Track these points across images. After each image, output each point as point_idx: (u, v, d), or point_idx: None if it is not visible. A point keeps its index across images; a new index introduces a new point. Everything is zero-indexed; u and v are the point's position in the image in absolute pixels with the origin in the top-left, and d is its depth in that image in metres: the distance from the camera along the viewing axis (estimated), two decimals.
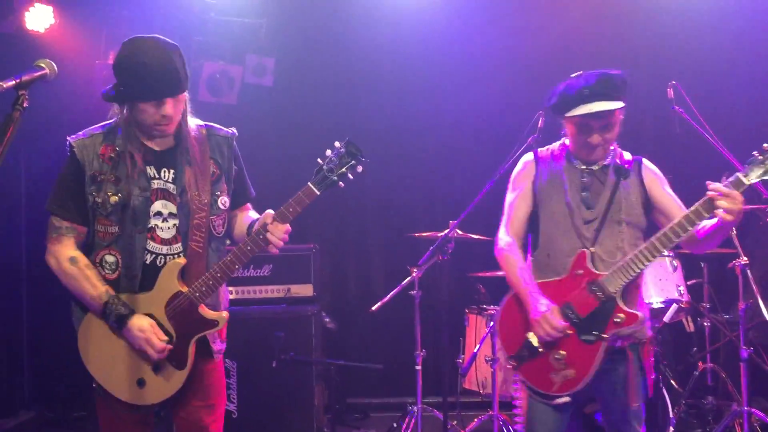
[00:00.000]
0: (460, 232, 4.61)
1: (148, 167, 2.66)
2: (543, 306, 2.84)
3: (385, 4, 5.96)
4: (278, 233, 2.61)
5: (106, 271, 2.64)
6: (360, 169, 2.68)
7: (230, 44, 5.90)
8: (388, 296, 4.56)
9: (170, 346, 2.61)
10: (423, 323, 4.77)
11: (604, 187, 2.98)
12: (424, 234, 4.84)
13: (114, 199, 2.61)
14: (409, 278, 4.63)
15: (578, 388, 2.85)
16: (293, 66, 6.06)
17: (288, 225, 2.64)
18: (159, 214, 2.65)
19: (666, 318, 4.52)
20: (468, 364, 4.66)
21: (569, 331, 2.82)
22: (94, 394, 2.72)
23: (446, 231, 4.50)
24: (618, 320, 2.79)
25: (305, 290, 4.97)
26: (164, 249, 2.65)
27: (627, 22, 5.83)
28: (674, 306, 4.47)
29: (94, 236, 2.67)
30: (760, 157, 2.65)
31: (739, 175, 2.66)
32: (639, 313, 2.82)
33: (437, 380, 5.19)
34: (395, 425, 5.02)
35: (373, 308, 4.55)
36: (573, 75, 2.98)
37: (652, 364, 3.06)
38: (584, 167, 3.01)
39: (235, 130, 2.88)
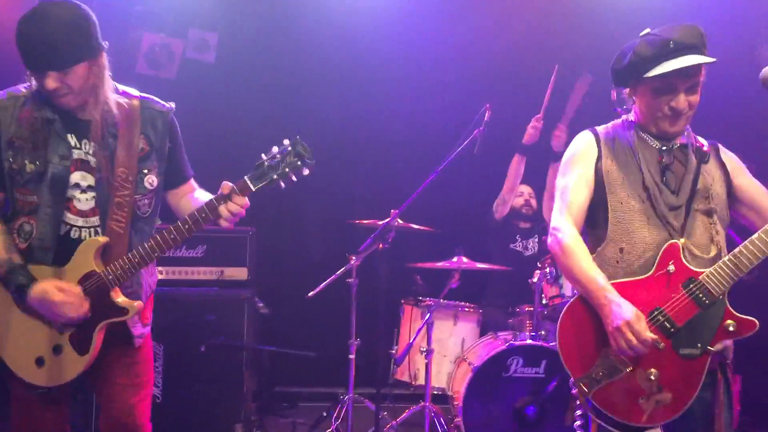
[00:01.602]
0: (401, 221, 4.57)
1: (69, 135, 2.51)
2: (627, 312, 2.24)
3: None
4: (239, 204, 2.49)
5: (20, 240, 2.49)
6: (306, 172, 2.48)
7: (172, 16, 5.69)
8: (325, 283, 4.48)
9: (85, 309, 2.45)
10: (358, 312, 4.71)
11: (686, 169, 2.50)
12: (365, 221, 4.77)
13: (30, 167, 2.45)
14: (347, 266, 4.57)
15: (676, 416, 2.29)
16: (238, 43, 5.88)
17: (246, 199, 2.51)
18: (77, 185, 2.51)
19: None
20: (402, 355, 4.62)
21: (662, 344, 2.28)
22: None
23: (387, 219, 4.46)
24: (731, 329, 2.29)
25: (239, 273, 4.83)
26: (80, 221, 2.51)
27: (578, 24, 5.86)
28: None
29: (15, 203, 2.52)
30: None
31: None
32: (755, 320, 2.32)
33: (370, 370, 5.14)
34: (325, 414, 4.95)
35: (309, 295, 4.46)
36: (642, 33, 2.49)
37: (739, 392, 2.52)
38: (661, 145, 2.51)
39: (173, 105, 2.73)
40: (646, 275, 2.35)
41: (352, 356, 4.65)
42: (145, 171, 2.59)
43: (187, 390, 4.49)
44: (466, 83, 5.82)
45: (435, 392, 4.74)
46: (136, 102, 2.61)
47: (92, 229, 2.52)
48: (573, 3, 5.84)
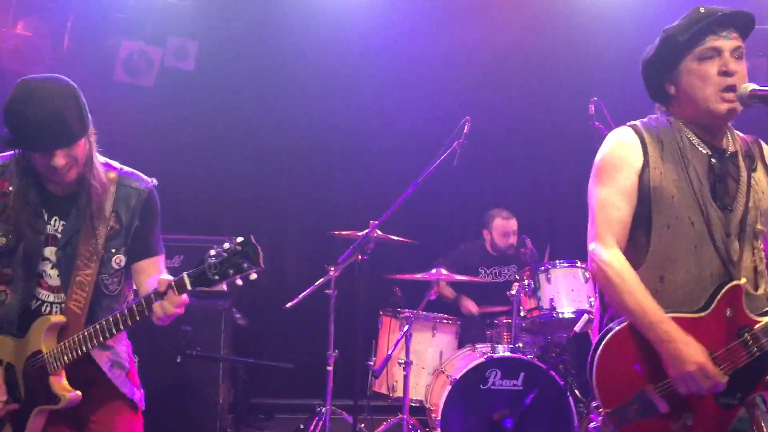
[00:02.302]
0: (380, 232, 4.56)
1: (43, 209, 2.45)
2: (698, 353, 2.03)
3: None
4: (174, 304, 2.22)
5: None
6: (254, 276, 2.20)
7: (151, 24, 5.65)
8: (303, 294, 4.45)
9: (13, 406, 2.37)
10: (337, 324, 4.68)
11: (738, 184, 2.19)
12: (344, 232, 4.76)
13: (1, 240, 2.40)
14: (325, 277, 4.54)
15: None
16: (217, 52, 5.86)
17: (185, 296, 2.23)
18: (49, 260, 2.45)
19: (576, 328, 4.58)
20: (381, 367, 4.60)
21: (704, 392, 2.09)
22: None
23: (367, 230, 4.44)
24: None
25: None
26: (51, 296, 2.45)
27: (551, 38, 5.91)
28: (585, 316, 4.54)
29: None
30: None
31: None
32: None
33: (348, 382, 5.11)
34: (302, 427, 4.90)
35: (287, 306, 4.43)
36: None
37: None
38: (712, 151, 2.20)
39: (154, 181, 2.59)
40: (701, 314, 2.11)
41: (330, 368, 4.61)
42: (113, 250, 2.48)
43: (162, 402, 4.41)
44: (447, 96, 5.85)
45: (413, 404, 4.72)
46: (113, 175, 2.51)
47: (61, 305, 2.45)
48: (554, 17, 5.89)
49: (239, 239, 2.17)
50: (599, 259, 2.16)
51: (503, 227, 5.38)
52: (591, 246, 2.20)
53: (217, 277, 2.15)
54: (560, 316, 4.42)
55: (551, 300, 4.44)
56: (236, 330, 5.00)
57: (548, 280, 4.51)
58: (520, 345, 4.49)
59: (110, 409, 2.52)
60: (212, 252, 2.16)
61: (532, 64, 5.84)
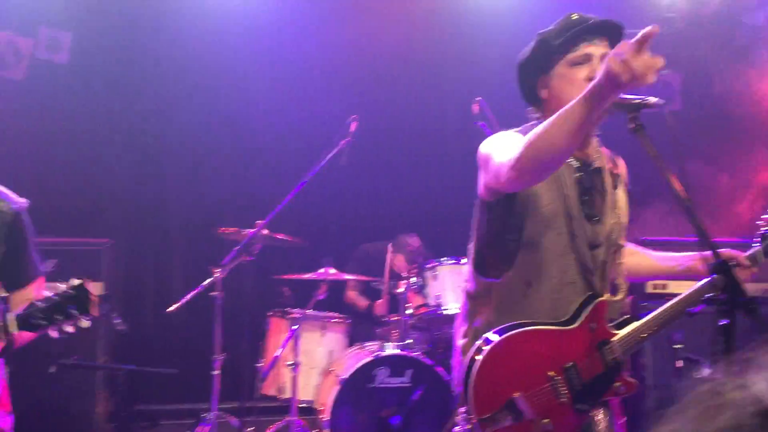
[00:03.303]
0: (267, 232, 4.49)
1: None
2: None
3: None
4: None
5: None
6: (86, 324, 2.12)
7: (20, 13, 5.32)
8: (186, 298, 4.31)
9: None
10: (224, 326, 4.57)
11: (604, 196, 2.29)
12: (230, 230, 4.65)
13: None
14: (210, 279, 4.42)
15: None
16: (93, 44, 5.56)
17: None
18: None
19: None
20: (268, 369, 4.53)
21: (564, 399, 2.19)
22: None
23: (253, 230, 4.36)
24: (619, 390, 2.26)
25: (94, 289, 4.54)
26: None
27: (436, 39, 5.98)
28: None
29: None
30: None
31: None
32: (637, 381, 2.31)
33: (235, 385, 5.01)
34: None
35: (170, 309, 4.28)
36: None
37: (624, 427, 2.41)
38: (579, 164, 2.26)
39: (23, 202, 2.41)
40: (569, 327, 2.21)
41: (215, 372, 4.50)
42: None
43: (36, 414, 4.17)
44: (334, 94, 5.82)
45: (303, 405, 4.68)
46: None
47: None
48: (439, 18, 5.98)
49: (74, 282, 2.08)
50: (510, 160, 1.99)
51: (395, 262, 5.19)
52: (502, 163, 2.05)
53: (44, 323, 2.05)
54: (447, 312, 4.50)
55: (438, 297, 4.52)
56: (115, 336, 4.80)
57: (435, 277, 4.59)
58: (409, 342, 4.54)
59: None
60: (48, 295, 2.05)
61: (418, 64, 5.91)
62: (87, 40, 5.50)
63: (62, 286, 2.07)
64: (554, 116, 1.90)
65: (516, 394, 2.16)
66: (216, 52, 5.72)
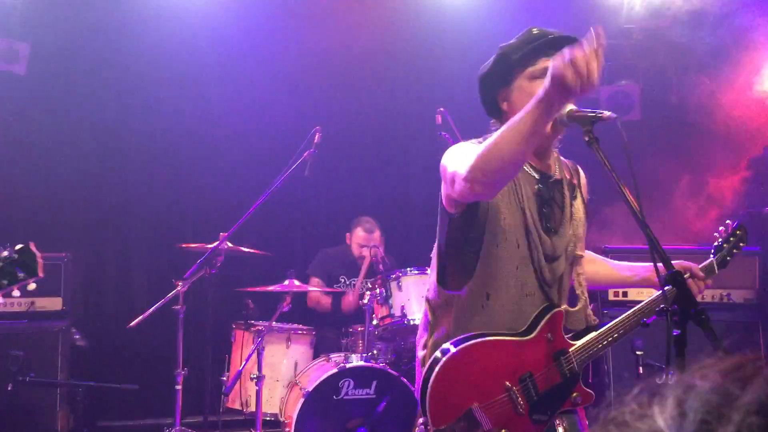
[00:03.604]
0: (230, 244, 4.45)
1: None
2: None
3: None
4: None
5: None
6: (32, 287, 2.11)
7: None
8: (148, 312, 4.25)
9: None
10: (187, 340, 4.51)
11: (563, 208, 2.32)
12: (193, 245, 4.60)
13: None
14: (173, 292, 4.37)
15: None
16: (52, 54, 5.47)
17: None
18: None
19: None
20: (232, 383, 4.48)
21: (521, 410, 2.20)
22: None
23: (216, 243, 4.33)
24: (577, 401, 2.28)
25: (53, 304, 4.47)
26: None
27: (399, 49, 6.00)
28: None
29: None
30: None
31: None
32: (593, 393, 2.32)
33: (199, 399, 4.95)
34: None
35: (131, 324, 4.22)
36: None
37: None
38: (539, 176, 2.29)
39: None
40: (526, 337, 2.22)
41: (178, 386, 4.44)
42: None
43: None
44: (297, 105, 5.81)
45: (268, 418, 4.64)
46: None
47: None
48: (402, 30, 5.99)
49: (18, 247, 2.06)
50: (463, 170, 1.98)
51: (363, 240, 5.31)
52: (457, 173, 2.03)
53: None
54: (412, 322, 4.50)
55: (402, 307, 4.52)
56: (75, 352, 4.72)
57: (399, 287, 4.59)
58: (374, 352, 4.54)
59: None
60: None
61: (382, 74, 5.93)
62: (44, 51, 5.41)
63: (5, 252, 2.05)
64: (505, 126, 1.91)
65: (473, 405, 2.17)
66: (176, 64, 5.66)
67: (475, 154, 1.95)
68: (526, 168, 2.27)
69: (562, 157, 2.43)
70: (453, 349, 2.19)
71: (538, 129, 1.87)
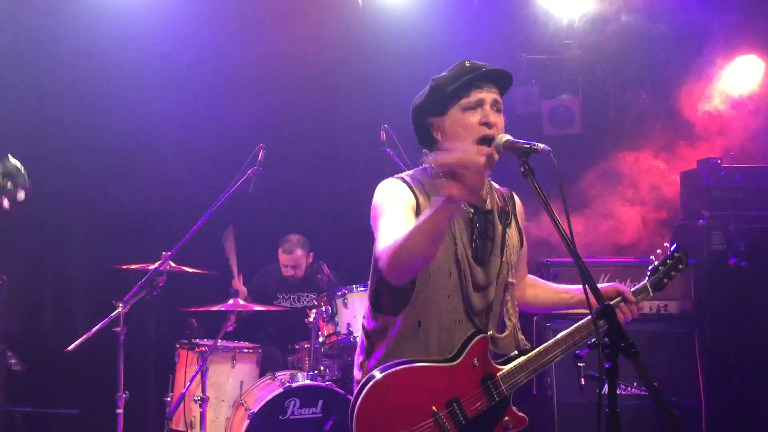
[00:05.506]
0: (173, 264, 4.38)
1: None
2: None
3: None
4: None
5: None
6: (22, 195, 2.16)
7: None
8: (87, 335, 4.14)
9: None
10: (129, 362, 4.41)
11: (494, 238, 2.38)
12: (134, 266, 4.51)
13: None
14: (113, 313, 4.27)
15: None
16: None
17: None
18: None
19: None
20: (175, 405, 4.41)
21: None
22: None
23: (158, 263, 4.26)
24: (508, 425, 2.32)
25: None
26: None
27: (344, 65, 5.98)
28: None
29: None
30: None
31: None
32: (526, 417, 2.36)
33: (142, 423, 4.85)
34: None
35: (70, 348, 4.10)
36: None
37: None
38: (471, 208, 2.36)
39: None
40: (452, 363, 2.27)
41: (119, 410, 4.34)
42: None
43: None
44: (241, 122, 5.76)
45: None
46: None
47: None
48: (347, 47, 5.98)
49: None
50: (383, 261, 2.16)
51: (284, 260, 5.37)
52: (379, 259, 2.20)
53: None
54: (357, 339, 4.50)
55: (348, 324, 4.52)
56: (12, 376, 4.58)
57: (345, 304, 4.58)
58: (321, 369, 4.52)
59: None
60: None
61: (326, 91, 5.92)
62: None
63: None
64: (413, 227, 2.05)
65: (401, 431, 2.19)
66: (115, 80, 5.55)
67: (392, 245, 2.10)
68: None
69: (495, 185, 2.50)
70: (378, 375, 2.23)
71: (442, 230, 2.08)
